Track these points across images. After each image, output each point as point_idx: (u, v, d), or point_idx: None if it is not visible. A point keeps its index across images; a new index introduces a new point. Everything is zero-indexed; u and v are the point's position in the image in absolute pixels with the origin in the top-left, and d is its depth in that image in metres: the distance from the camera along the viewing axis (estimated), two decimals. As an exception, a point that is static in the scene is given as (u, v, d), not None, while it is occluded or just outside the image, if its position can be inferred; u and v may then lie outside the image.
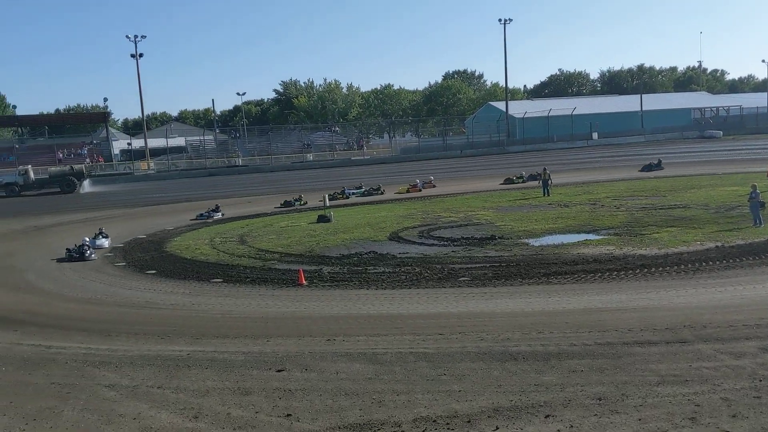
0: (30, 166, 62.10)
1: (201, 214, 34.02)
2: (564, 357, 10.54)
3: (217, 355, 11.92)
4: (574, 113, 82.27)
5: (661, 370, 9.61)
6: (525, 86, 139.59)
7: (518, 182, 43.12)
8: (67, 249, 24.14)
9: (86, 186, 60.79)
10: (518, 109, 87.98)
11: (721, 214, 24.52)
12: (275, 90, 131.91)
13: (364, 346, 11.96)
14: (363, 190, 41.86)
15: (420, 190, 41.50)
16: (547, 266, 18.17)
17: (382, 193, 41.33)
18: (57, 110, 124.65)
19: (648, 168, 45.47)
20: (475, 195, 37.46)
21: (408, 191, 41.34)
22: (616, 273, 16.87)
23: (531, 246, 21.38)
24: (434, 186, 43.09)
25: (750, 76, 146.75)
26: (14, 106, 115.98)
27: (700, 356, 10.05)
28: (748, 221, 22.17)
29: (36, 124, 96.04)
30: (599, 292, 15.21)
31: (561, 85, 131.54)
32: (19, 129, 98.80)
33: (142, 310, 16.36)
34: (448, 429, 8.08)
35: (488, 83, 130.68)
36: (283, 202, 38.20)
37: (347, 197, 39.85)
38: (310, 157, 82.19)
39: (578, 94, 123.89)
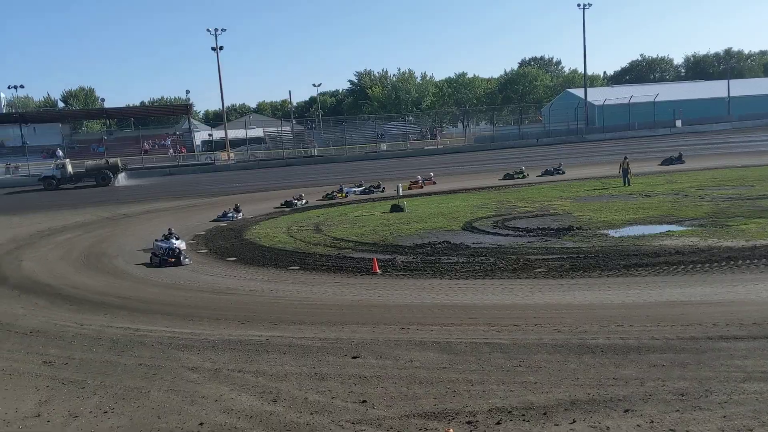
0: (68, 160, 64.45)
1: (224, 214, 32.09)
2: (644, 351, 10.26)
3: (294, 341, 12.21)
4: (656, 100, 79.49)
5: (747, 366, 9.23)
6: (605, 72, 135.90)
7: (518, 177, 42.14)
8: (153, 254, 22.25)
9: (122, 179, 62.39)
10: (597, 96, 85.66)
11: (816, 205, 23.21)
12: (350, 80, 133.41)
13: (437, 335, 11.99)
14: (363, 188, 40.13)
15: (422, 187, 40.31)
16: (627, 258, 17.67)
17: (382, 191, 39.32)
18: (142, 102, 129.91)
19: (669, 161, 44.57)
20: (552, 184, 36.76)
21: (409, 188, 39.72)
22: (700, 265, 16.24)
23: (610, 237, 20.83)
24: (434, 183, 41.67)
25: None
26: (103, 99, 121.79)
27: (791, 353, 9.61)
28: None
29: (123, 116, 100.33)
30: (682, 285, 14.69)
31: (642, 71, 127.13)
32: (107, 121, 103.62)
33: (223, 295, 16.90)
34: (524, 420, 8.03)
35: (566, 70, 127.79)
36: (283, 202, 36.07)
37: (346, 195, 38.40)
38: (383, 147, 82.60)
39: (661, 80, 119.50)
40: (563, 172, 42.64)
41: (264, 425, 8.50)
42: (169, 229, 24.15)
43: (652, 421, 7.74)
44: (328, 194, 37.92)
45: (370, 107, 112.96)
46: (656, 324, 11.68)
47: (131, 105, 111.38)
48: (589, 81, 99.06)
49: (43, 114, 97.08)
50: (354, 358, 10.99)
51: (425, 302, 14.74)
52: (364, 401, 9.06)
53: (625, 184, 33.28)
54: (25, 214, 39.53)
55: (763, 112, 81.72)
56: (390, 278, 17.53)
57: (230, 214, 31.67)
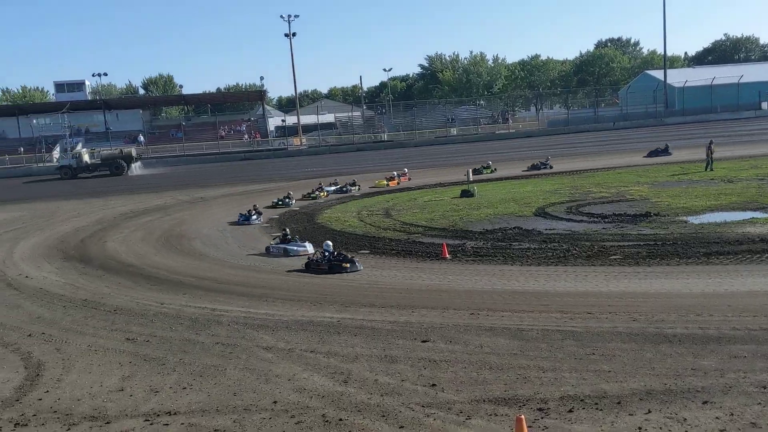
0: (85, 149, 65.86)
1: (241, 215, 27.62)
2: (724, 341, 9.92)
3: (365, 323, 12.37)
4: (740, 81, 75.73)
5: (838, 360, 8.79)
6: (685, 53, 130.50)
7: (485, 173, 39.42)
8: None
9: (136, 169, 62.83)
10: (678, 78, 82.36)
11: None
12: (420, 65, 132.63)
13: (508, 321, 11.90)
14: (338, 186, 36.17)
15: (398, 183, 37.49)
16: (708, 245, 17.01)
17: (359, 189, 35.89)
18: (218, 89, 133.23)
19: (654, 153, 42.21)
20: (629, 169, 35.72)
21: (387, 185, 36.85)
22: (787, 254, 15.50)
23: (690, 224, 20.11)
24: (409, 179, 39.03)
25: None
26: (181, 86, 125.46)
27: None
28: None
29: (200, 102, 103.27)
30: (766, 274, 14.06)
31: (726, 51, 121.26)
32: (185, 107, 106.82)
33: (296, 278, 17.25)
34: (597, 409, 7.91)
35: (644, 51, 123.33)
36: (275, 201, 32.38)
37: (327, 195, 34.60)
38: (453, 131, 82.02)
39: (746, 60, 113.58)
40: (551, 167, 39.55)
41: (335, 405, 8.68)
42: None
43: (732, 414, 7.48)
44: (309, 193, 34.51)
45: (440, 92, 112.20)
46: (738, 314, 11.25)
47: (208, 92, 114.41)
48: (669, 62, 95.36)
49: (125, 101, 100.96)
50: (424, 342, 11.05)
51: (495, 288, 14.64)
52: (433, 385, 9.12)
53: (707, 169, 32.02)
54: (106, 197, 41.34)
55: None
56: (459, 264, 17.48)
57: (253, 216, 27.08)
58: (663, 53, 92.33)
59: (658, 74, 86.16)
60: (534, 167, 40.25)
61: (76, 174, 61.25)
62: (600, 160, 42.50)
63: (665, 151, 42.27)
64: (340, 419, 8.24)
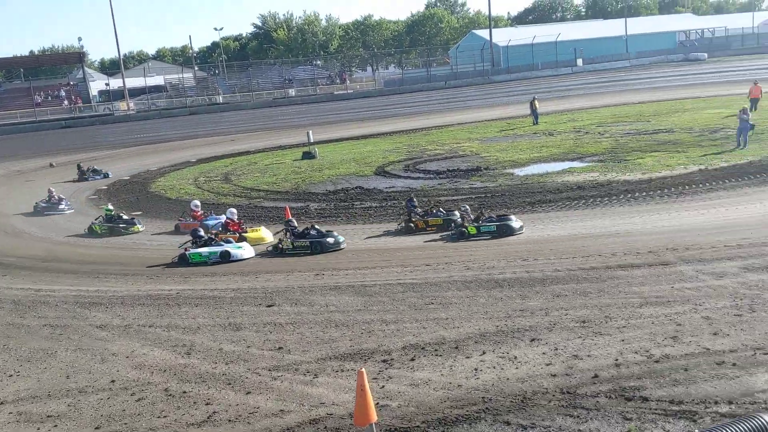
0: None
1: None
2: (548, 282, 10.74)
3: (207, 293, 12.04)
4: (558, 40, 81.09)
5: (644, 292, 9.83)
6: (509, 13, 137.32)
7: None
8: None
9: None
10: (502, 37, 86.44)
11: (705, 137, 24.58)
12: (254, 24, 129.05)
13: (352, 279, 12.11)
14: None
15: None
16: (532, 195, 18.27)
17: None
18: (31, 52, 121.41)
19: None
20: (461, 127, 37.24)
21: None
22: (600, 199, 17.01)
23: (516, 176, 21.43)
24: None
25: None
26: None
27: (682, 277, 10.28)
28: (732, 143, 22.27)
29: (10, 66, 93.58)
30: (583, 219, 15.37)
31: (545, 10, 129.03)
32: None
33: (130, 251, 16.38)
34: (437, 355, 8.29)
35: (471, 11, 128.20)
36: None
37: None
38: (292, 92, 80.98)
39: (562, 19, 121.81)
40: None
41: (178, 378, 8.40)
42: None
43: (557, 349, 8.15)
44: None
45: (276, 51, 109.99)
46: (560, 257, 12.21)
47: (19, 55, 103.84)
48: (493, 22, 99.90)
49: None
50: (269, 306, 10.97)
51: (339, 247, 14.78)
52: (280, 348, 9.09)
53: (534, 124, 34.11)
54: None
55: (659, 50, 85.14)
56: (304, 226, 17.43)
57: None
58: (488, 13, 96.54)
59: (484, 33, 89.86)
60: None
61: None
62: (435, 118, 43.84)
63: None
64: (184, 392, 8.00)
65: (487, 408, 6.83)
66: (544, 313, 9.36)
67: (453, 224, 15.18)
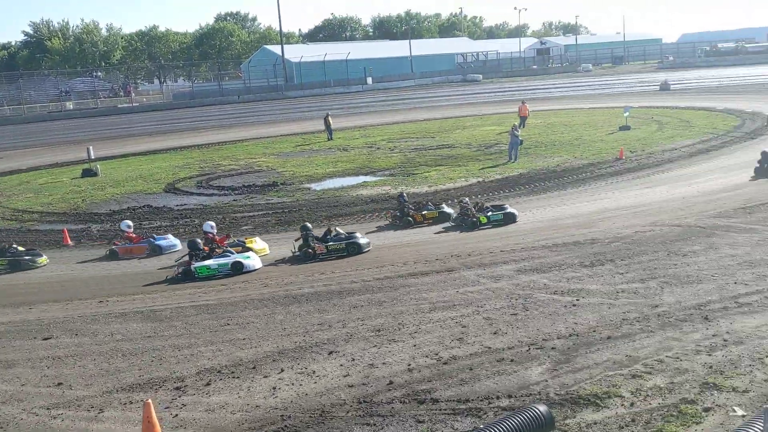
0: None
1: None
2: (345, 294, 10.92)
3: (-32, 330, 10.63)
4: (348, 58, 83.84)
5: (432, 298, 10.35)
6: (300, 30, 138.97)
7: None
8: None
9: None
10: (294, 53, 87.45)
11: (481, 152, 26.72)
12: (24, 32, 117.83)
13: (140, 304, 11.39)
14: None
15: None
16: (329, 209, 18.57)
17: None
18: None
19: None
20: (256, 142, 36.88)
21: None
22: (392, 212, 17.70)
23: (313, 190, 21.66)
24: None
25: (504, 23, 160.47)
26: None
27: (465, 282, 10.98)
28: (505, 157, 24.44)
29: None
30: (377, 231, 15.90)
31: (335, 29, 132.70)
32: None
33: None
34: (233, 377, 8.02)
35: (262, 26, 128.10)
36: None
37: None
38: (69, 105, 74.96)
39: (352, 39, 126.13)
40: None
41: (-68, 432, 7.28)
42: None
43: (354, 359, 8.28)
44: None
45: (50, 61, 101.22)
46: (355, 269, 12.49)
47: None
48: (285, 38, 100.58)
49: None
50: (45, 339, 9.95)
51: (126, 271, 13.89)
52: (59, 383, 8.26)
53: (328, 139, 34.73)
54: None
55: (440, 70, 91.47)
56: (85, 249, 16.20)
57: None
58: (279, 29, 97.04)
59: (276, 49, 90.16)
60: None
61: None
62: (228, 133, 42.98)
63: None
64: (-60, 447, 6.95)
65: (285, 426, 6.72)
66: (341, 325, 9.48)
67: (456, 216, 16.07)
